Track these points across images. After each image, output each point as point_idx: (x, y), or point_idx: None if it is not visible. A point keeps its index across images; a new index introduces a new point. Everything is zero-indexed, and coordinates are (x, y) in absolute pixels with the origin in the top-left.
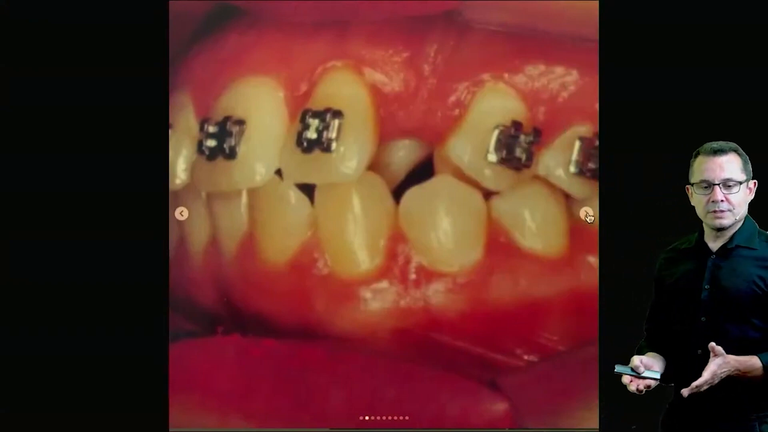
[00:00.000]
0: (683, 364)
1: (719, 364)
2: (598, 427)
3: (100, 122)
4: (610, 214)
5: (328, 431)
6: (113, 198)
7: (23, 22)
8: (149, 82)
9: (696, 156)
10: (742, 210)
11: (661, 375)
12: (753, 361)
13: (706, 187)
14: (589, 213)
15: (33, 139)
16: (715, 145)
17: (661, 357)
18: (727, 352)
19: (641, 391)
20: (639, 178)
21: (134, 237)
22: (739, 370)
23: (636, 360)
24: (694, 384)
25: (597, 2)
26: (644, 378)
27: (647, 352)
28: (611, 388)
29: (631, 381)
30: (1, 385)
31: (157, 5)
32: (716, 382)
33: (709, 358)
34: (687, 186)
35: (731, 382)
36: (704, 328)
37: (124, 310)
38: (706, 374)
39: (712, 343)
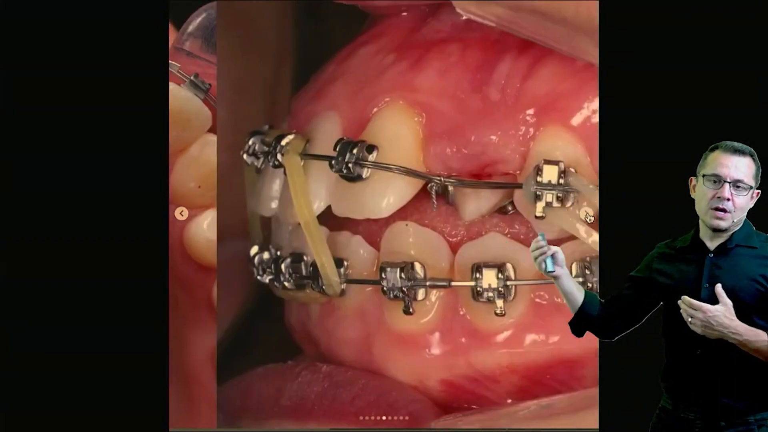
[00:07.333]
0: (681, 363)
1: (724, 312)
2: (598, 427)
3: (101, 122)
4: (610, 214)
5: (328, 431)
6: (114, 198)
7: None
8: (149, 82)
9: (713, 150)
10: (741, 215)
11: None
12: (760, 333)
13: (715, 182)
14: (589, 213)
15: (33, 140)
16: (736, 144)
17: (582, 292)
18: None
19: (539, 255)
20: (639, 178)
21: (134, 237)
22: (740, 335)
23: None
24: (696, 302)
25: (597, 2)
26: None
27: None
28: (611, 388)
29: (539, 251)
30: (1, 384)
31: (157, 5)
32: (711, 324)
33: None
34: (691, 177)
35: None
36: None
37: (124, 310)
38: (712, 307)
39: (719, 286)
